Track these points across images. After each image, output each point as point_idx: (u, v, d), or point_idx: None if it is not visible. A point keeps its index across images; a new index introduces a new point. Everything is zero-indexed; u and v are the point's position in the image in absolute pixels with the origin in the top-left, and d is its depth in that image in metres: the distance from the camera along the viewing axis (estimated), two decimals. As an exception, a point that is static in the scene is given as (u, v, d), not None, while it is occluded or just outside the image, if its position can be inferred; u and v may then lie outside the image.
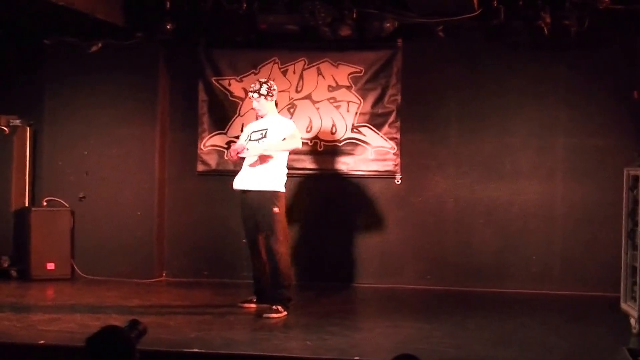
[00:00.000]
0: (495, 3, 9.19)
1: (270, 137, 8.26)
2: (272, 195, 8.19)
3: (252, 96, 8.39)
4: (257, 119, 8.72)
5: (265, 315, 8.04)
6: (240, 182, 8.37)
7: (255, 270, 8.57)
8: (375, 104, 10.27)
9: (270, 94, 8.35)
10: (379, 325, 7.96)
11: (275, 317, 8.03)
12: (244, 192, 8.34)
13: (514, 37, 9.60)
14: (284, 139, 8.32)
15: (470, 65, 10.14)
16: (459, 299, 9.56)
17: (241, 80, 10.40)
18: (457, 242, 10.15)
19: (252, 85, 8.48)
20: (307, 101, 10.40)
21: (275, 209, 8.14)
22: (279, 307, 8.12)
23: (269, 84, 8.36)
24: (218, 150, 10.51)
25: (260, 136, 8.31)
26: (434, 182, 10.23)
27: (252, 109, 8.81)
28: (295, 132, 8.42)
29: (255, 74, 10.23)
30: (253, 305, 8.45)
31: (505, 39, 9.73)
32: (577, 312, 8.89)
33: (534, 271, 9.95)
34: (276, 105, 8.72)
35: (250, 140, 8.33)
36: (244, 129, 8.94)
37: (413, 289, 10.03)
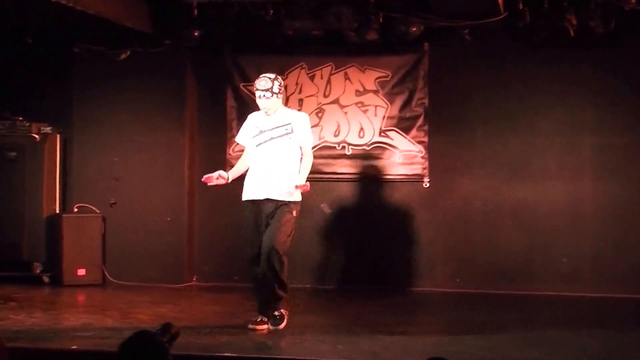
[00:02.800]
0: (520, 5, 9.12)
1: (297, 132, 7.70)
2: (296, 204, 7.80)
3: (264, 95, 7.68)
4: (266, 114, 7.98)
5: (274, 327, 7.64)
6: (263, 192, 7.75)
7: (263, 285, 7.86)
8: (403, 107, 10.27)
9: (280, 91, 7.78)
10: (410, 328, 7.95)
11: (285, 324, 7.70)
12: (262, 201, 7.74)
13: (540, 39, 9.60)
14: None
15: (497, 67, 10.13)
16: (488, 301, 9.54)
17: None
18: (486, 243, 10.12)
19: (261, 82, 7.73)
20: (335, 106, 10.42)
21: (294, 213, 7.75)
22: (282, 312, 7.72)
23: (279, 80, 7.76)
24: None
25: (285, 132, 7.70)
26: (462, 184, 10.22)
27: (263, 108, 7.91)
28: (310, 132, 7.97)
29: (283, 79, 9.83)
30: (266, 327, 7.73)
31: (530, 41, 9.74)
32: (607, 313, 8.88)
33: (563, 272, 9.90)
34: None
35: (272, 138, 7.76)
36: (249, 122, 8.05)
37: (442, 292, 10.05)
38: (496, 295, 9.77)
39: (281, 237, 7.56)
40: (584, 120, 9.95)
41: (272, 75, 7.77)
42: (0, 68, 10.62)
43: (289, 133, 7.72)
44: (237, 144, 9.51)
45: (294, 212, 7.67)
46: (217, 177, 7.80)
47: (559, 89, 9.99)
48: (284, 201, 7.62)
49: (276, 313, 7.66)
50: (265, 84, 7.70)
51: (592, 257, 9.88)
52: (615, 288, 9.63)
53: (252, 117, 8.03)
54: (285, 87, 9.84)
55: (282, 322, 7.65)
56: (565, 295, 9.68)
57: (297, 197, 7.70)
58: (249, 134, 7.94)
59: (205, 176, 7.85)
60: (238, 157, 9.75)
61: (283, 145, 7.72)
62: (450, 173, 10.25)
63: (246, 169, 7.92)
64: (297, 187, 7.60)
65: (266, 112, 7.79)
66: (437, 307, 9.49)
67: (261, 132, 7.79)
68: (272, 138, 7.74)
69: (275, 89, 7.68)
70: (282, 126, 7.76)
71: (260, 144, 7.80)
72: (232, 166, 9.83)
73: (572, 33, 9.28)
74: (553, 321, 8.35)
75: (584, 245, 9.91)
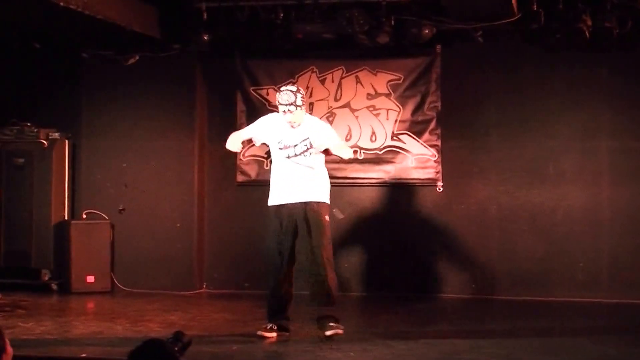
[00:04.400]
0: (534, 7, 9.07)
1: (317, 142, 7.46)
2: (328, 206, 7.73)
3: (288, 110, 7.44)
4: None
5: (328, 333, 7.40)
6: (296, 195, 7.57)
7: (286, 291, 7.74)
8: (415, 111, 10.20)
9: (303, 103, 7.56)
10: (424, 336, 7.79)
11: (341, 332, 7.49)
12: (293, 204, 7.57)
13: (555, 41, 9.47)
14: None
15: (510, 70, 10.07)
16: (504, 308, 9.50)
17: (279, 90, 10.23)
18: (501, 249, 10.04)
19: (284, 97, 7.50)
20: (346, 109, 10.36)
21: (327, 218, 7.66)
22: (335, 324, 7.49)
23: (301, 92, 7.56)
24: (258, 160, 10.45)
25: (305, 147, 7.51)
26: (476, 189, 10.15)
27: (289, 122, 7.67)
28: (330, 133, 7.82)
29: (294, 84, 9.77)
30: (275, 334, 7.60)
31: (545, 43, 9.63)
32: (625, 320, 8.78)
33: (580, 278, 9.82)
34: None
35: (297, 155, 7.53)
36: (271, 125, 7.79)
37: (457, 298, 9.97)
38: (512, 301, 9.72)
39: (329, 246, 7.59)
40: (600, 123, 9.87)
41: (294, 88, 7.61)
42: (7, 73, 10.64)
43: (309, 149, 7.55)
44: (248, 149, 10.11)
45: (328, 217, 7.63)
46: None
47: (575, 92, 9.93)
48: (315, 202, 7.57)
49: (332, 323, 7.47)
50: (288, 99, 7.49)
51: (609, 262, 9.78)
52: (634, 294, 9.53)
53: (274, 122, 7.81)
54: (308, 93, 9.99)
55: (339, 329, 7.46)
56: (582, 302, 9.58)
57: (327, 197, 7.70)
58: (268, 137, 7.78)
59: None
60: (249, 162, 10.47)
61: (307, 160, 7.59)
62: (464, 178, 10.18)
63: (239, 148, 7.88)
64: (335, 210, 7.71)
65: (292, 125, 7.59)
66: (453, 314, 9.38)
67: (286, 147, 7.63)
68: (296, 155, 7.60)
69: (299, 102, 7.49)
70: (302, 142, 7.59)
71: (287, 157, 7.64)
72: (242, 172, 10.19)
73: (587, 35, 9.17)
74: (571, 328, 8.25)
75: (601, 251, 9.82)
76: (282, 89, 7.66)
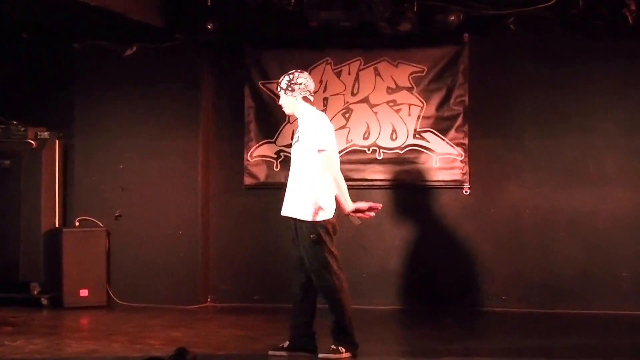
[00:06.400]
0: (573, -11, 9.02)
1: (303, 143, 7.08)
2: (313, 225, 7.11)
3: (279, 91, 7.28)
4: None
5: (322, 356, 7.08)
6: (285, 208, 7.19)
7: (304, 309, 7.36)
8: (440, 106, 9.93)
9: (290, 88, 7.11)
10: (452, 353, 7.49)
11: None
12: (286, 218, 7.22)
13: (595, 28, 9.25)
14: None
15: (546, 60, 9.81)
16: (539, 322, 9.21)
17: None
18: (536, 257, 9.77)
19: None
20: (364, 105, 10.09)
21: (313, 237, 7.04)
22: (339, 348, 7.09)
23: (290, 75, 7.15)
24: (267, 161, 10.24)
25: (296, 140, 7.20)
26: (508, 192, 9.89)
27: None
28: (323, 140, 7.11)
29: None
30: (285, 353, 7.28)
31: (585, 30, 9.42)
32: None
33: (624, 289, 9.55)
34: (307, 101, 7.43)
35: (293, 149, 7.30)
36: None
37: (488, 311, 9.72)
38: (548, 314, 9.45)
39: (316, 268, 7.02)
40: None
41: (291, 71, 7.27)
42: (-9, 66, 10.70)
43: (296, 142, 7.20)
44: (256, 148, 10.21)
45: (313, 236, 6.97)
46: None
47: (618, 84, 9.65)
48: (301, 220, 7.02)
49: (332, 346, 7.05)
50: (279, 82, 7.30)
51: None
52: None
53: None
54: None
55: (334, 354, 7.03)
56: (626, 315, 9.31)
57: (319, 216, 7.00)
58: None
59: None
60: (257, 164, 10.29)
61: (296, 156, 7.18)
62: (495, 179, 9.94)
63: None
64: (350, 215, 7.12)
65: (286, 114, 7.52)
66: (482, 328, 9.19)
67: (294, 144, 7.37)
68: (293, 149, 7.32)
69: (283, 85, 7.16)
70: (298, 134, 7.27)
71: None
72: (250, 174, 10.34)
73: (631, 20, 8.85)
74: (615, 344, 7.94)
75: None
76: None
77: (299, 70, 7.24)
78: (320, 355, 7.01)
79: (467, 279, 9.86)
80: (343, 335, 7.01)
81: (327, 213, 6.96)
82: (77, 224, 10.23)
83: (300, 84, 7.11)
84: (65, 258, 9.90)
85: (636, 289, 9.49)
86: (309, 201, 6.96)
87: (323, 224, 6.96)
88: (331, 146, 7.03)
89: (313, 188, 6.97)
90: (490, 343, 8.17)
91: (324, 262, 6.94)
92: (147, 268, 10.18)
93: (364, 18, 9.17)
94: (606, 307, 9.42)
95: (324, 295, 7.01)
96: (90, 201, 10.34)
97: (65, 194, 10.37)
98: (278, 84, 7.22)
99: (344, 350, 6.98)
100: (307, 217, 6.96)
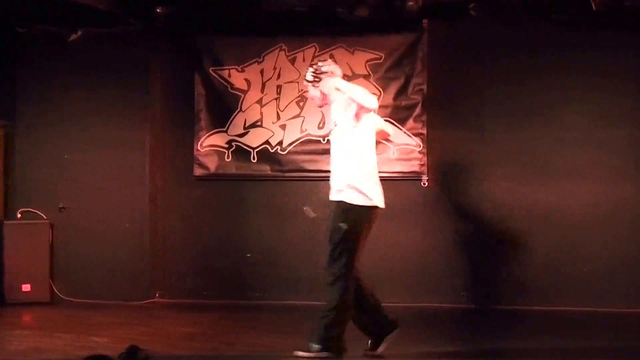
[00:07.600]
0: (541, -28, 8.89)
1: (333, 118, 7.04)
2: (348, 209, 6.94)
3: (305, 85, 7.18)
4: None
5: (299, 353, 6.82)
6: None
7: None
8: (398, 95, 9.80)
9: (317, 79, 6.92)
10: (417, 351, 7.28)
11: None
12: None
13: (565, 16, 9.20)
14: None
15: (509, 49, 9.69)
16: (503, 319, 9.13)
17: (243, 71, 10.05)
18: (499, 253, 9.65)
19: None
20: None
21: (343, 225, 6.86)
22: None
23: (313, 67, 7.00)
24: (218, 151, 10.13)
25: (334, 126, 7.08)
26: (468, 184, 9.77)
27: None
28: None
29: (259, 63, 10.01)
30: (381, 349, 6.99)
31: (550, 19, 9.34)
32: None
33: (594, 286, 9.39)
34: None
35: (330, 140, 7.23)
36: None
37: (449, 308, 9.61)
38: (513, 311, 9.32)
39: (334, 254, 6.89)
40: (621, 110, 9.45)
41: (315, 62, 7.20)
42: None
43: (332, 130, 7.12)
44: (206, 138, 10.09)
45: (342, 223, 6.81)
46: None
47: (589, 74, 9.51)
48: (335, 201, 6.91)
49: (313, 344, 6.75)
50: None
51: (630, 268, 9.32)
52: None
53: None
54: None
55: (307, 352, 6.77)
56: (597, 312, 9.15)
57: (347, 197, 6.83)
58: None
59: None
60: (207, 154, 10.17)
61: (335, 145, 7.03)
62: (455, 171, 9.81)
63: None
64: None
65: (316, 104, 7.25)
66: (443, 326, 8.94)
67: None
68: (331, 136, 7.20)
69: (309, 77, 6.98)
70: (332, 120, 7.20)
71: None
72: (200, 164, 10.15)
73: (594, 7, 8.66)
74: (581, 344, 7.67)
75: (620, 255, 9.35)
76: None
77: (321, 60, 7.15)
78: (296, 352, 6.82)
79: (424, 274, 9.72)
80: (326, 333, 6.72)
81: (365, 199, 6.76)
82: (19, 215, 10.13)
83: (326, 72, 6.92)
84: (7, 251, 9.82)
85: (606, 285, 9.35)
86: (348, 181, 6.79)
87: (357, 209, 6.75)
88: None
89: (355, 167, 6.83)
90: (452, 337, 8.10)
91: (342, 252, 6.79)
92: (93, 262, 10.07)
93: (319, 3, 9.14)
94: (576, 304, 9.27)
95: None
96: (33, 192, 10.22)
97: (6, 184, 10.32)
98: (303, 77, 7.10)
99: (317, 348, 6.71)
100: (345, 198, 6.78)
